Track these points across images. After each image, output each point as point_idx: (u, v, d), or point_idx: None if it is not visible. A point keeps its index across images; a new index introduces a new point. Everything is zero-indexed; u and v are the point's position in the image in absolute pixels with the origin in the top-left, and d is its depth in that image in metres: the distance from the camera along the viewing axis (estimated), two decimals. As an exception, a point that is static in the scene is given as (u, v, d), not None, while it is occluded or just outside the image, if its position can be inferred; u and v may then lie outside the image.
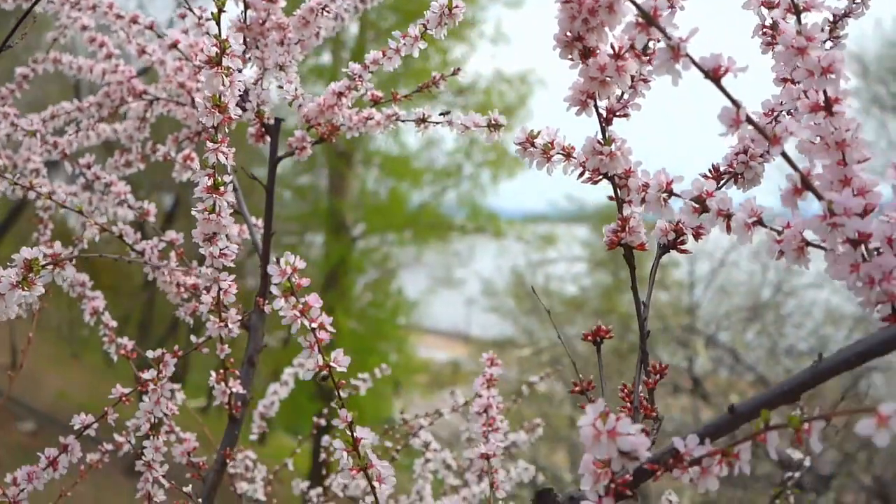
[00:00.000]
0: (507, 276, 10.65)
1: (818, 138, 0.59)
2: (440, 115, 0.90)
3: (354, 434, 0.69)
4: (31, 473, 0.95)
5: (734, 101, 0.54)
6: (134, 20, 1.15)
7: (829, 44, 0.76)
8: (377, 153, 11.67)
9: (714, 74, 0.54)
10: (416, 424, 1.43)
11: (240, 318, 0.96)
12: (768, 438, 0.51)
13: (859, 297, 0.55)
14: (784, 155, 0.55)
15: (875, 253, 0.56)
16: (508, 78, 10.33)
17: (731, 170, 0.73)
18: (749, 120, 0.54)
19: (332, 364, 0.68)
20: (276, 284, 0.65)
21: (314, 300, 0.67)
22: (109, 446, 1.18)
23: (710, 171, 0.74)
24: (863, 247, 0.56)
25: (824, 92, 0.57)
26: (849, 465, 6.14)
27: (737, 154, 0.73)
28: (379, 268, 11.86)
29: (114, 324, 1.16)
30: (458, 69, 1.08)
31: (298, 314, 0.66)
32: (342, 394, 0.70)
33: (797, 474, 1.14)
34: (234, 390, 1.02)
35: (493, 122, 0.90)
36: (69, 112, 1.25)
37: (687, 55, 0.54)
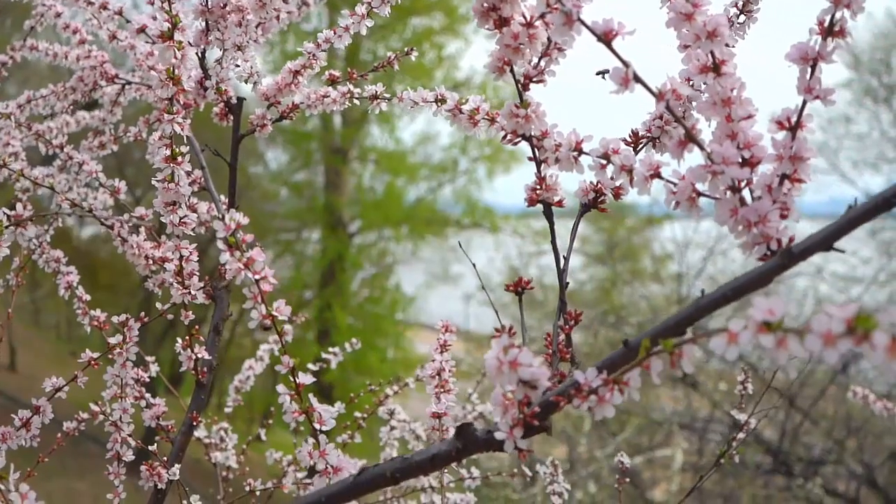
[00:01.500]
0: (502, 270, 10.71)
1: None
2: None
3: (297, 380, 0.75)
4: (5, 434, 1.01)
5: (623, 62, 0.59)
6: (104, 6, 1.20)
7: (742, 17, 0.81)
8: (373, 149, 11.74)
9: (606, 38, 0.60)
10: (382, 394, 1.49)
11: (202, 285, 1.02)
12: (651, 365, 0.56)
13: (740, 240, 0.61)
14: (670, 110, 0.60)
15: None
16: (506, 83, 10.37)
17: (648, 134, 0.78)
18: (636, 78, 0.59)
19: (274, 313, 0.73)
20: (220, 239, 0.71)
21: (258, 254, 0.72)
22: (85, 415, 1.23)
23: (629, 135, 0.79)
24: (747, 193, 0.62)
25: (712, 54, 0.63)
26: (838, 453, 6.21)
27: (654, 119, 0.78)
28: (376, 264, 11.92)
29: (87, 297, 1.22)
30: (412, 49, 1.13)
31: (242, 267, 0.71)
32: (286, 339, 0.75)
33: (742, 435, 1.20)
34: (199, 356, 1.08)
35: (439, 97, 0.95)
36: (45, 97, 1.31)
37: (579, 20, 0.59)
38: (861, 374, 6.60)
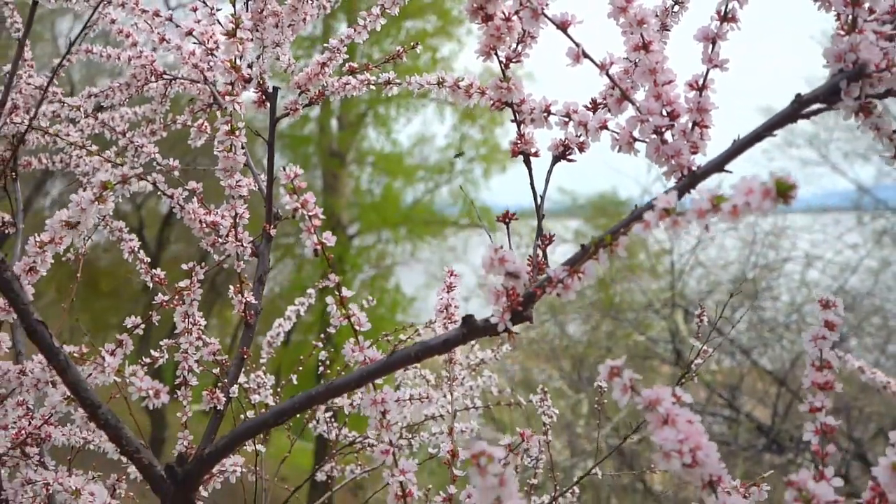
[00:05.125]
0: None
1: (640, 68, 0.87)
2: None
3: (341, 293, 0.98)
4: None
5: (576, 43, 0.83)
6: (156, 14, 1.43)
7: (676, 7, 1.05)
8: (370, 152, 11.98)
9: (563, 26, 0.83)
10: (397, 341, 1.72)
11: (252, 239, 1.25)
12: (599, 256, 0.79)
13: (662, 169, 0.84)
14: (609, 77, 0.84)
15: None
16: (497, 74, 10.60)
17: (603, 101, 1.01)
18: (585, 55, 0.83)
19: (323, 241, 0.96)
20: (282, 185, 0.94)
21: (311, 197, 0.95)
22: (147, 360, 1.46)
23: (589, 102, 1.02)
24: (668, 135, 0.85)
25: (641, 36, 0.86)
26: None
27: (607, 90, 1.01)
28: (375, 265, 12.14)
29: (148, 259, 1.45)
30: (417, 43, 1.36)
31: (299, 206, 0.95)
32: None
33: (700, 361, 1.43)
34: (248, 300, 1.31)
35: (440, 80, 1.18)
36: (103, 91, 1.54)
37: (543, 14, 0.82)
38: (852, 352, 6.83)
